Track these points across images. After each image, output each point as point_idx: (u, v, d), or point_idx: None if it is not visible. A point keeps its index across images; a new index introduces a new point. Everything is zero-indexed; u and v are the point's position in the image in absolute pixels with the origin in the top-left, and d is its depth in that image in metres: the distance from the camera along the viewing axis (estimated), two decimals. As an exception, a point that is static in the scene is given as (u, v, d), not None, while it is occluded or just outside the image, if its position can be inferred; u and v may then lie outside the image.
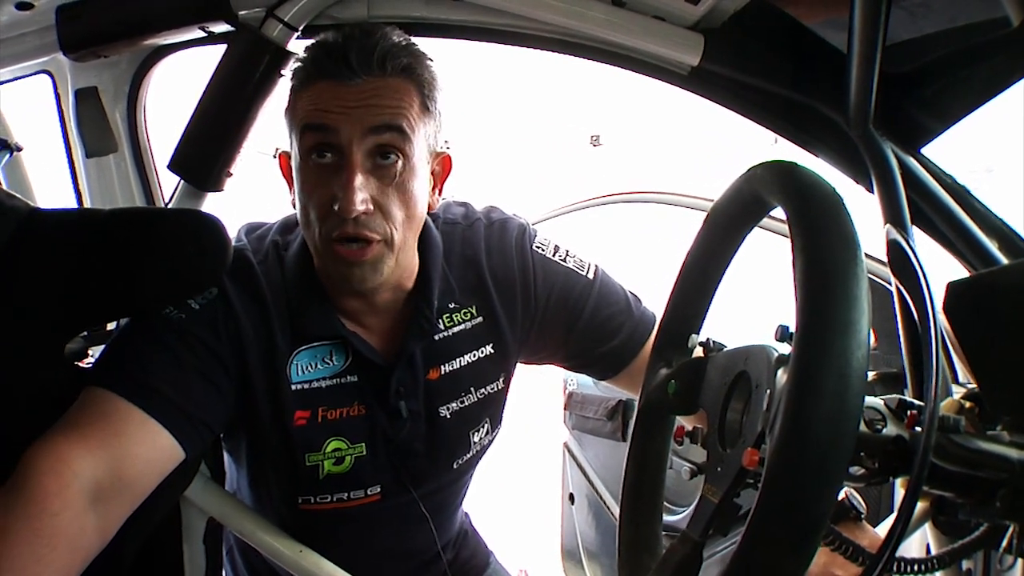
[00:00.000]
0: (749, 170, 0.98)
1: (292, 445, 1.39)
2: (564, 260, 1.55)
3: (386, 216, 1.27)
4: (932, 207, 1.40)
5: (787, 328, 0.87)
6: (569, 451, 3.17)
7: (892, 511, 1.68)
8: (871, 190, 1.39)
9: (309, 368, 1.38)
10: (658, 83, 1.57)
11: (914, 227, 1.35)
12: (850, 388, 0.70)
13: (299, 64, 1.30)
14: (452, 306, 1.47)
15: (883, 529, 1.37)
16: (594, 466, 2.97)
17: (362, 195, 1.23)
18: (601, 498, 2.87)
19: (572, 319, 1.54)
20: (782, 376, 0.87)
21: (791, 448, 0.70)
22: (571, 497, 3.18)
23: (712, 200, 1.08)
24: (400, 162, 1.27)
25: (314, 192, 1.27)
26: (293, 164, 1.33)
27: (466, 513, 1.84)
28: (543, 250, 1.54)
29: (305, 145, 1.27)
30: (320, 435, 1.40)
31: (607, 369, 1.61)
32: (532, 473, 4.60)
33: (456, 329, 1.48)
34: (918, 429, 0.89)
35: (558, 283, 1.53)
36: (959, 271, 1.41)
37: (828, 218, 0.78)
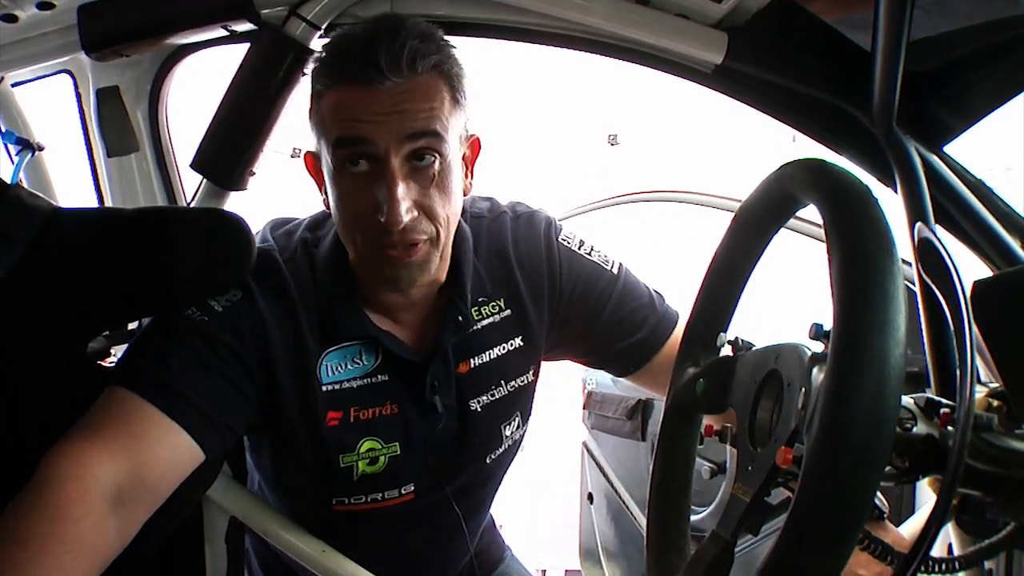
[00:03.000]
0: (779, 168, 0.97)
1: (325, 446, 1.38)
2: (589, 254, 1.55)
3: (430, 216, 1.26)
4: (955, 206, 1.40)
5: (821, 326, 0.86)
6: (588, 450, 3.17)
7: (913, 510, 1.68)
8: (895, 189, 1.39)
9: (339, 369, 1.37)
10: (675, 82, 1.57)
11: (937, 226, 1.35)
12: (888, 387, 0.70)
13: (321, 64, 1.27)
14: (482, 299, 1.47)
15: (905, 529, 1.37)
16: (613, 466, 2.96)
17: (406, 204, 1.22)
18: (620, 498, 2.87)
19: (595, 313, 1.54)
20: (817, 375, 0.87)
21: (830, 447, 0.70)
22: (590, 496, 3.18)
23: (730, 199, 1.08)
24: (437, 162, 1.25)
25: (354, 201, 1.26)
26: (325, 172, 1.30)
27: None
28: (569, 243, 1.54)
29: (338, 157, 1.25)
30: (353, 435, 1.39)
31: (628, 364, 1.61)
32: (551, 472, 4.60)
33: (486, 322, 1.48)
34: (951, 428, 0.88)
35: (583, 276, 1.53)
36: (981, 269, 1.40)
37: (864, 217, 0.78)
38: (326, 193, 1.33)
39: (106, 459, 1.13)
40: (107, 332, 1.50)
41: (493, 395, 1.50)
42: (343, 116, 1.23)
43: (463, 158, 1.36)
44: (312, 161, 1.35)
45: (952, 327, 0.85)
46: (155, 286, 1.35)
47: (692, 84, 1.54)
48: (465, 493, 1.55)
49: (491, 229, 1.51)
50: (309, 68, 1.48)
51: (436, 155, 1.25)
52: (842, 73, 1.42)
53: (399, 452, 1.42)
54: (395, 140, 1.22)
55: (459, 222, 1.42)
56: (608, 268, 1.56)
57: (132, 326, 1.57)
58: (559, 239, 1.53)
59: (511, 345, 1.51)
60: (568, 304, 1.53)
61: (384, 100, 1.21)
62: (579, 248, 1.55)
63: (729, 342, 1.11)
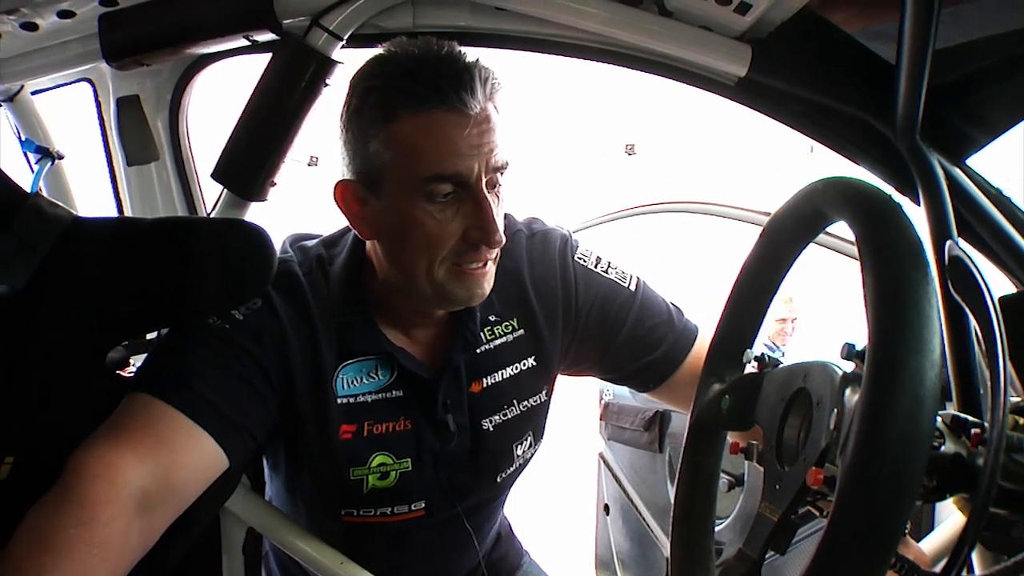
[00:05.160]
0: (809, 185, 0.97)
1: (336, 458, 1.38)
2: (606, 271, 1.54)
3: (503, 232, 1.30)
4: (978, 219, 1.39)
5: (853, 346, 0.86)
6: (604, 461, 3.16)
7: (933, 525, 1.67)
8: (917, 202, 1.38)
9: (355, 382, 1.37)
10: (692, 91, 1.56)
11: (959, 239, 1.34)
12: (924, 409, 0.70)
13: (399, 82, 1.21)
14: (493, 319, 1.47)
15: (927, 544, 1.36)
16: (629, 477, 2.95)
17: (499, 224, 1.26)
18: (636, 508, 2.85)
19: (614, 331, 1.53)
20: (850, 395, 0.86)
21: (867, 469, 0.70)
22: (606, 507, 3.17)
23: (747, 210, 1.07)
24: (500, 187, 1.29)
25: (442, 226, 1.25)
26: (393, 197, 1.26)
27: (504, 515, 1.81)
28: (585, 261, 1.53)
29: (430, 189, 1.23)
30: (366, 449, 1.39)
31: (648, 381, 1.59)
32: (567, 483, 4.59)
33: (498, 342, 1.47)
34: (980, 448, 0.88)
35: (600, 295, 1.52)
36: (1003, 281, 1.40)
37: (898, 237, 0.78)
38: (370, 223, 1.31)
39: (134, 462, 1.12)
40: (126, 342, 1.49)
41: (505, 414, 1.49)
42: (439, 149, 1.22)
43: None
44: (349, 191, 1.30)
45: (983, 346, 0.84)
46: (175, 296, 1.34)
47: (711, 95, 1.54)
48: (475, 509, 1.55)
49: (505, 248, 1.49)
50: (332, 79, 1.48)
51: (500, 181, 1.29)
52: (865, 85, 1.41)
53: (410, 468, 1.42)
54: (485, 171, 1.24)
55: None
56: (625, 285, 1.55)
57: (150, 336, 1.57)
58: (575, 258, 1.53)
59: (524, 365, 1.50)
60: (585, 323, 1.52)
61: (474, 130, 1.21)
62: (595, 266, 1.54)
63: (755, 358, 1.10)
